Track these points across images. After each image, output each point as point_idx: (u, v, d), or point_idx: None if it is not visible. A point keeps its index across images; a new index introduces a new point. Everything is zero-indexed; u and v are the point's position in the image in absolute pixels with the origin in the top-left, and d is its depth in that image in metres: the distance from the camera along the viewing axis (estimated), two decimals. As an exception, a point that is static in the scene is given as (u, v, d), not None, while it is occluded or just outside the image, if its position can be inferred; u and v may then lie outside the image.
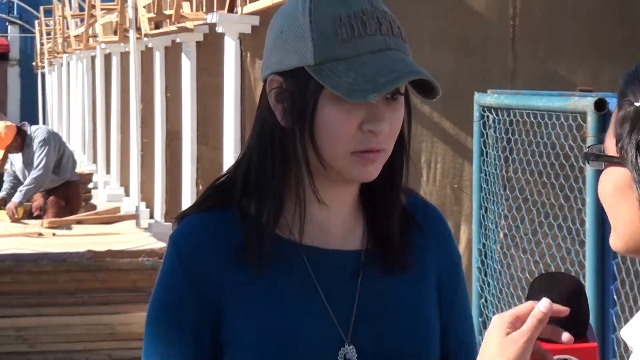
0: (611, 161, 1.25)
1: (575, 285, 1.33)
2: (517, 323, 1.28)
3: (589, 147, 1.30)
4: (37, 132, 8.93)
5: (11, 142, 8.74)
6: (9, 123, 8.94)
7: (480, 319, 4.65)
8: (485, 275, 4.67)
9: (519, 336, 1.26)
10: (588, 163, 1.30)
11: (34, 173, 8.72)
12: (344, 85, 1.47)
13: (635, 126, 1.22)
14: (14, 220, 8.36)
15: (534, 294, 1.32)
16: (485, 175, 4.65)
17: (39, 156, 8.74)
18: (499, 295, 4.57)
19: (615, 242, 1.28)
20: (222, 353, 1.57)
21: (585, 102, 3.65)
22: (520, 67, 5.82)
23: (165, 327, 1.58)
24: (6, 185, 9.17)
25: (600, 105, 3.55)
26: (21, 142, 8.82)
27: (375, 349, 1.57)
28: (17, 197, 8.59)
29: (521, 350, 1.25)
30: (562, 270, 3.77)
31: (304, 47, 1.51)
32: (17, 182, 9.00)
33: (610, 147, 1.27)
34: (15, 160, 9.05)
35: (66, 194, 9.14)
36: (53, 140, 8.96)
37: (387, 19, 1.53)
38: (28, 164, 8.85)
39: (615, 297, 3.58)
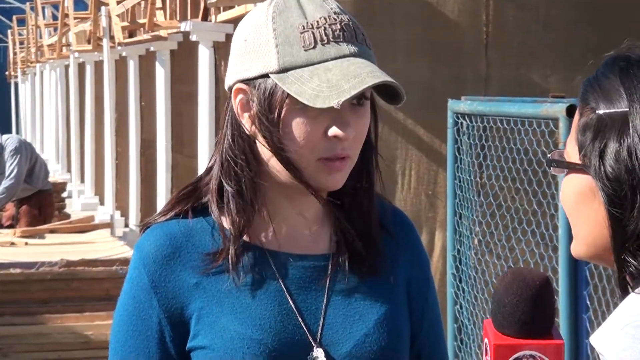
0: (574, 168, 1.25)
1: (542, 281, 1.33)
2: None
3: (550, 153, 1.31)
4: (8, 141, 8.89)
5: None
6: None
7: (455, 325, 4.66)
8: (460, 282, 4.68)
9: None
10: (549, 169, 1.31)
11: (6, 182, 8.68)
12: (308, 91, 1.48)
13: (598, 134, 1.23)
14: None
15: (502, 290, 1.33)
16: (460, 181, 4.66)
17: (10, 165, 8.70)
18: (474, 301, 4.58)
19: (577, 248, 1.28)
20: (189, 359, 1.57)
21: (557, 108, 3.67)
22: (494, 73, 5.85)
23: (130, 335, 1.58)
24: None
25: (572, 111, 3.57)
26: None
27: (344, 353, 1.57)
28: None
29: None
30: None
31: (268, 55, 1.52)
32: None
33: (572, 153, 1.27)
34: None
35: (39, 203, 9.10)
36: (24, 149, 8.91)
37: (352, 26, 1.54)
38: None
39: (588, 302, 3.60)
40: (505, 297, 1.32)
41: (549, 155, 1.31)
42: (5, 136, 9.02)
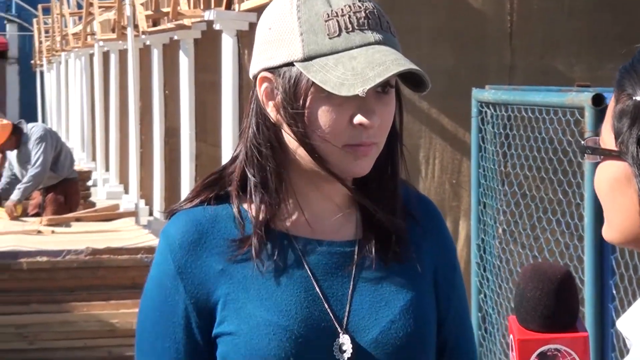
0: (610, 155, 1.25)
1: (564, 275, 1.33)
2: None
3: (585, 140, 1.30)
4: (33, 129, 8.93)
5: (5, 141, 8.74)
6: (4, 122, 8.94)
7: (479, 314, 4.66)
8: (484, 271, 4.67)
9: None
10: (584, 156, 1.30)
11: (32, 171, 8.73)
12: (333, 79, 1.48)
13: (635, 120, 1.22)
14: (13, 217, 8.37)
15: (523, 284, 1.33)
16: (484, 170, 4.65)
17: (36, 153, 8.75)
18: (498, 290, 4.57)
19: (610, 234, 1.28)
20: (215, 346, 1.58)
21: (582, 97, 3.65)
22: (518, 62, 5.83)
23: (157, 321, 1.59)
24: (3, 181, 9.18)
25: (597, 100, 3.55)
26: (17, 140, 8.82)
27: (370, 340, 1.57)
28: (15, 195, 8.60)
29: None
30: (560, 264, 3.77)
31: (293, 43, 1.52)
32: (14, 180, 9.00)
33: (607, 140, 1.26)
34: (13, 159, 9.06)
35: (65, 191, 9.14)
36: (49, 137, 8.96)
37: (376, 14, 1.54)
38: (25, 162, 8.85)
39: (614, 291, 3.59)
40: (527, 291, 1.32)
41: (582, 142, 1.31)
42: (30, 125, 9.07)
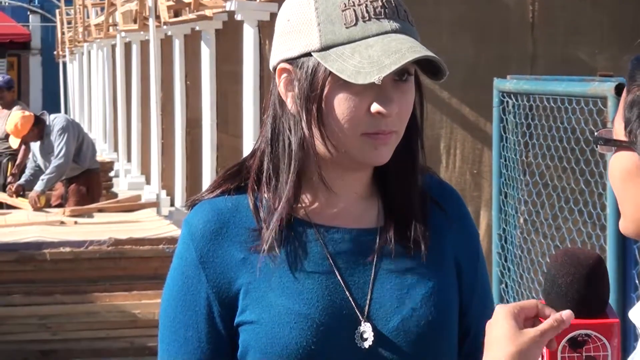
0: (620, 145, 1.25)
1: (596, 261, 1.33)
2: (521, 314, 1.28)
3: (598, 131, 1.30)
4: (55, 120, 8.97)
5: (28, 132, 8.78)
6: (27, 113, 8.98)
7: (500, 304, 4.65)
8: (506, 261, 4.66)
9: (534, 331, 1.26)
10: (597, 147, 1.30)
11: (55, 162, 8.77)
12: (350, 68, 1.49)
13: None
14: (36, 208, 8.41)
15: (554, 270, 1.32)
16: (505, 160, 4.64)
17: (58, 145, 8.78)
18: (519, 280, 4.57)
19: (625, 225, 1.28)
20: (237, 334, 1.58)
21: (605, 87, 3.64)
22: (540, 52, 5.80)
23: (180, 311, 1.60)
24: (27, 172, 9.23)
25: (620, 89, 3.54)
26: (39, 131, 8.86)
27: (391, 328, 1.57)
28: (39, 186, 8.65)
29: (533, 343, 1.26)
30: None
31: (311, 34, 1.53)
32: (38, 171, 9.04)
33: (619, 130, 1.26)
34: (36, 150, 9.10)
35: (87, 182, 9.18)
36: (72, 128, 8.99)
37: (393, 3, 1.55)
38: (48, 153, 8.89)
39: (637, 281, 3.58)
40: (558, 277, 1.31)
41: (596, 133, 1.31)
42: (52, 116, 9.11)
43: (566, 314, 1.28)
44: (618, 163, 1.26)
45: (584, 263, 1.32)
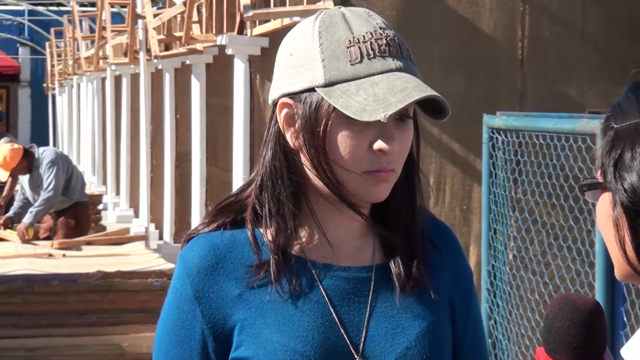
0: (597, 187, 1.26)
1: (593, 306, 1.34)
2: None
3: (583, 180, 1.31)
4: (44, 153, 8.96)
5: (17, 165, 8.78)
6: (15, 146, 8.99)
7: (489, 340, 4.64)
8: (495, 297, 4.66)
9: None
10: (583, 195, 1.31)
11: (44, 194, 8.75)
12: (355, 105, 1.49)
13: (613, 146, 1.24)
14: (24, 241, 8.39)
15: (552, 315, 1.33)
16: (495, 196, 4.65)
17: (47, 177, 8.77)
18: (508, 316, 4.56)
19: (616, 271, 1.29)
20: None
21: (594, 124, 3.66)
22: (529, 88, 5.83)
23: (174, 345, 1.59)
24: (16, 204, 9.21)
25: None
26: (28, 164, 8.85)
27: None
28: (27, 219, 8.63)
29: None
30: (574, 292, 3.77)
31: (315, 69, 1.53)
32: (27, 203, 9.03)
33: (599, 175, 1.28)
34: (25, 183, 9.09)
35: (75, 215, 9.16)
36: (61, 161, 8.99)
37: (397, 41, 1.55)
38: (37, 186, 8.88)
39: (625, 318, 3.58)
40: (556, 322, 1.33)
41: (581, 181, 1.32)
42: (41, 149, 9.10)
43: None
44: (600, 207, 1.27)
45: (582, 308, 1.33)
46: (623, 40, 5.88)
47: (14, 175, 9.09)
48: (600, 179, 1.26)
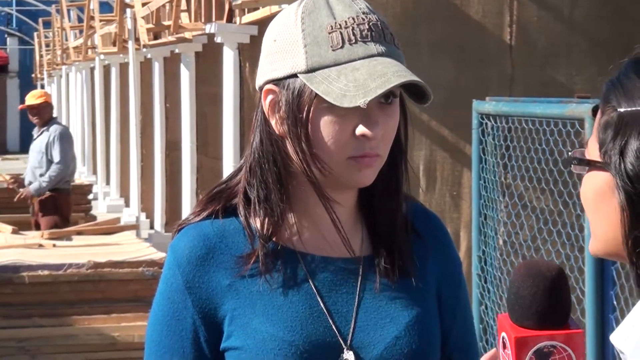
0: (594, 166, 1.26)
1: (558, 272, 1.34)
2: None
3: (571, 152, 1.32)
4: (60, 126, 9.20)
5: (42, 103, 8.99)
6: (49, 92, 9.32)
7: (480, 326, 4.66)
8: (485, 282, 4.67)
9: None
10: (570, 167, 1.31)
11: (54, 167, 8.95)
12: (335, 91, 1.49)
13: (618, 132, 1.24)
14: (20, 200, 8.62)
15: (517, 283, 1.34)
16: (484, 182, 4.66)
17: (60, 150, 8.98)
18: (499, 302, 4.58)
19: (594, 245, 1.29)
20: (223, 359, 1.58)
21: (583, 109, 3.66)
22: (519, 74, 5.84)
23: (165, 336, 1.59)
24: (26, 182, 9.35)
25: (597, 111, 3.56)
26: (48, 117, 9.10)
27: (374, 356, 1.57)
28: (34, 187, 8.82)
29: None
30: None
31: (297, 55, 1.53)
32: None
33: (592, 151, 1.28)
34: (31, 153, 9.31)
35: (55, 199, 9.24)
36: (70, 138, 9.32)
37: (380, 26, 1.54)
38: (37, 152, 9.05)
39: (614, 302, 3.59)
40: (521, 289, 1.33)
41: (570, 153, 1.32)
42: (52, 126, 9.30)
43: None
44: (591, 183, 1.27)
45: (547, 274, 1.34)
46: (611, 26, 5.89)
47: (33, 111, 9.17)
48: (595, 157, 1.26)
